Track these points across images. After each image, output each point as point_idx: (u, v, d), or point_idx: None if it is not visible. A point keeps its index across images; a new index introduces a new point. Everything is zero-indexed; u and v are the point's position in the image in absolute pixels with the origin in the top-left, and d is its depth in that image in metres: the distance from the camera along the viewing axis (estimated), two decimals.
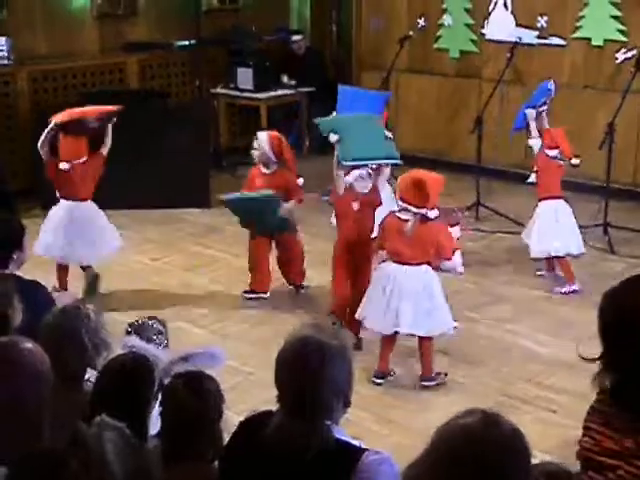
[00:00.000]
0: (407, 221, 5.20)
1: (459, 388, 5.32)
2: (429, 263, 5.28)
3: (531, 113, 6.85)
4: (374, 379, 5.38)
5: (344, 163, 5.70)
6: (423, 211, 5.18)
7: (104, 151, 6.50)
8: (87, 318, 3.23)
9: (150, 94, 9.51)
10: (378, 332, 5.43)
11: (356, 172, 5.69)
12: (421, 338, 5.32)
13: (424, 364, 5.36)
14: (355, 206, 5.71)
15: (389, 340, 5.40)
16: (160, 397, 2.81)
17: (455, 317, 5.49)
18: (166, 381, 2.85)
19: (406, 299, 5.19)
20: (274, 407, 2.55)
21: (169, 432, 2.79)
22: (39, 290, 4.09)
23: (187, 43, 9.98)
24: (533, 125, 6.81)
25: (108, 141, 6.51)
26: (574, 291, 6.66)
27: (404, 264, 5.23)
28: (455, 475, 1.95)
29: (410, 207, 5.18)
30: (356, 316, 5.48)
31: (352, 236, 5.74)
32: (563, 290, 6.69)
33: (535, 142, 6.76)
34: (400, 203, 5.25)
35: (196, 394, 2.77)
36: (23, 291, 3.55)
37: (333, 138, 5.75)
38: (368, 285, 5.56)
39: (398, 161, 5.94)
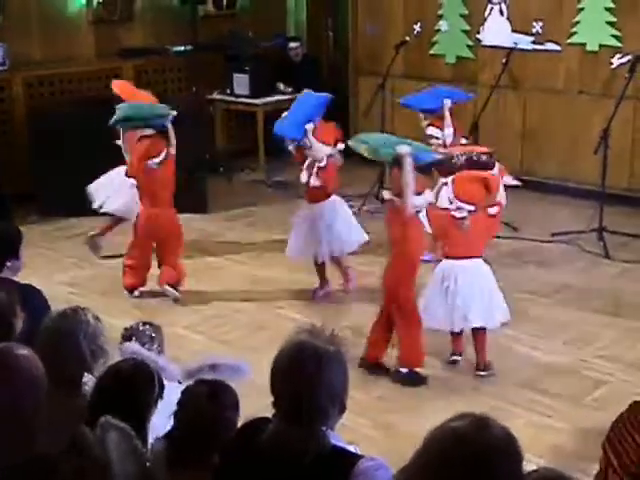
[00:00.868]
0: (463, 219, 5.32)
1: (454, 393, 5.32)
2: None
3: (448, 103, 7.17)
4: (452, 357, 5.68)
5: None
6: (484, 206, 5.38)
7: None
8: (86, 323, 3.24)
9: None
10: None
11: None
12: (477, 330, 5.49)
13: (482, 355, 5.54)
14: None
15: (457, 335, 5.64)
16: (178, 400, 2.84)
17: None
18: (187, 384, 2.88)
19: (470, 293, 5.37)
20: (271, 413, 2.56)
21: (181, 435, 2.80)
22: (35, 295, 4.09)
23: (183, 48, 9.99)
24: (448, 114, 7.14)
25: None
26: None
27: (461, 258, 5.38)
28: (445, 477, 1.96)
29: (467, 205, 5.31)
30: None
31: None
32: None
33: (450, 131, 7.12)
34: (457, 202, 5.32)
35: (216, 404, 2.80)
36: (21, 296, 3.56)
37: (405, 149, 5.41)
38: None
39: None
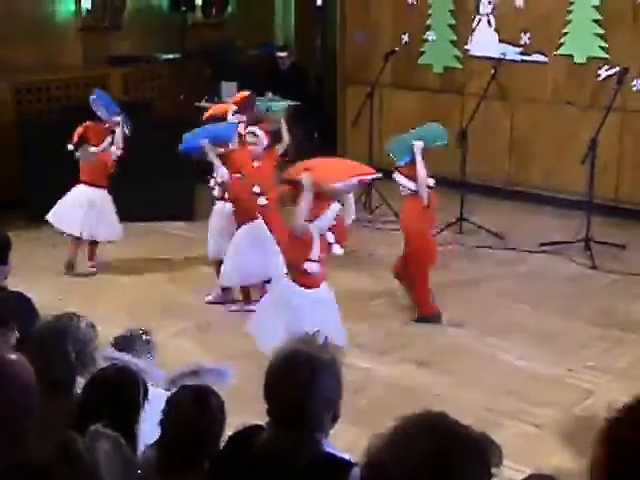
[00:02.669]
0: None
1: (442, 402, 5.30)
2: None
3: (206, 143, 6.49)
4: None
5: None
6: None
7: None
8: (76, 328, 3.23)
9: (134, 107, 9.50)
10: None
11: None
12: None
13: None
14: None
15: None
16: (164, 406, 2.83)
17: (438, 331, 5.66)
18: (171, 391, 2.87)
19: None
20: (263, 420, 2.56)
21: (169, 442, 2.80)
22: (25, 303, 4.06)
23: (172, 56, 10.00)
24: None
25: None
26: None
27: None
28: (411, 457, 1.88)
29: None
30: None
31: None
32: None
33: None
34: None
35: (201, 409, 2.79)
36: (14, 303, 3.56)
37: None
38: None
39: None
